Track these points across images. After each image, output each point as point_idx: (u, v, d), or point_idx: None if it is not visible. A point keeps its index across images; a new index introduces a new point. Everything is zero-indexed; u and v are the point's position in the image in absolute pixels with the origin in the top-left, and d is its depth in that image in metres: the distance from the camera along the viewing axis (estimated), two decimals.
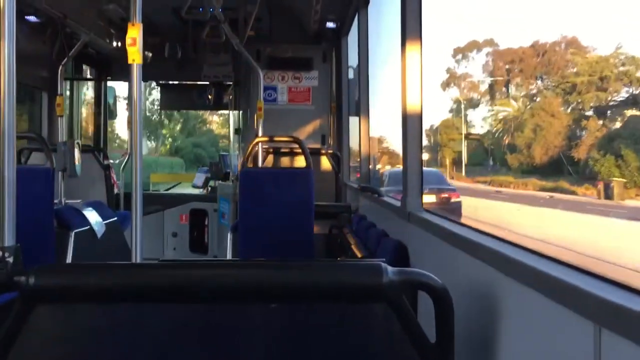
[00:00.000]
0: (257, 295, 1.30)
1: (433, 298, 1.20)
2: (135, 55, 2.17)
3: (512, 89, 43.80)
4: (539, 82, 40.99)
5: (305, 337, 1.56)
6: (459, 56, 45.65)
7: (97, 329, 1.52)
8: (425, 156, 43.06)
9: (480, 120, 46.02)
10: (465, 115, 45.12)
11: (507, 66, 43.29)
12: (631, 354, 0.95)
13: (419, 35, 2.74)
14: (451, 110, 46.51)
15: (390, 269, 1.20)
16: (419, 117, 2.79)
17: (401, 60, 2.86)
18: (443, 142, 44.10)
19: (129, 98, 2.44)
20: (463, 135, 43.49)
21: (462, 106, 45.55)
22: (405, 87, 2.79)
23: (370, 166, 5.21)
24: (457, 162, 43.34)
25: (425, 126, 46.45)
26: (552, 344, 1.22)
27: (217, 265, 1.32)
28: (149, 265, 1.28)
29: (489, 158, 42.22)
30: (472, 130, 45.09)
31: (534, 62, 40.96)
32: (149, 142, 37.30)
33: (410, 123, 2.77)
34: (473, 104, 45.94)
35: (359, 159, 5.36)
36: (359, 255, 3.57)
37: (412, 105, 2.78)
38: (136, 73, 2.26)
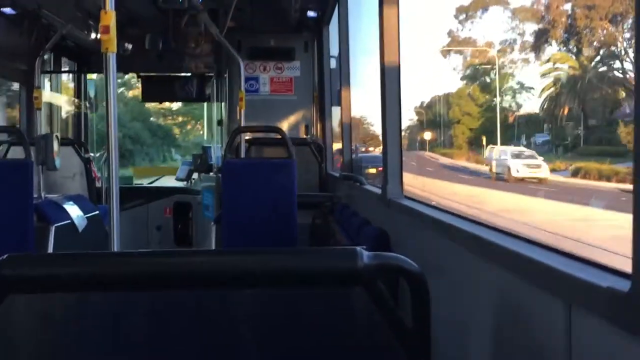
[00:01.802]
0: (233, 282, 1.29)
1: (409, 282, 1.20)
2: (108, 43, 2.14)
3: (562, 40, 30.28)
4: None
5: (283, 322, 1.56)
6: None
7: (73, 319, 1.50)
8: (428, 136, 33.95)
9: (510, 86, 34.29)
10: (500, 81, 33.55)
11: (566, 5, 29.84)
12: (600, 329, 0.96)
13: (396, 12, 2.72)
14: (464, 78, 35.91)
15: (366, 253, 1.20)
16: (398, 109, 2.81)
17: (379, 50, 2.85)
18: (455, 117, 34.04)
19: (105, 88, 2.40)
20: (498, 105, 32.26)
21: (496, 67, 33.11)
22: (384, 79, 2.79)
23: (354, 155, 5.21)
24: (474, 142, 32.15)
25: (425, 99, 35.67)
26: (526, 322, 1.23)
27: (190, 253, 1.31)
28: (120, 254, 1.27)
29: (521, 135, 31.08)
30: (503, 99, 33.70)
31: None
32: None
33: (390, 115, 2.79)
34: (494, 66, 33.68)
35: (341, 148, 5.36)
36: (342, 243, 3.58)
37: (391, 99, 2.79)
38: (111, 63, 2.22)
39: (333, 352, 1.40)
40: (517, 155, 23.76)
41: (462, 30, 35.58)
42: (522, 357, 1.26)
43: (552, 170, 22.13)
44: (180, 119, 28.43)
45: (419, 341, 1.19)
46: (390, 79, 2.78)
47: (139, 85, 7.54)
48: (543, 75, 31.95)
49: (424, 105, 36.41)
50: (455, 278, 1.74)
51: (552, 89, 31.33)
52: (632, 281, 0.87)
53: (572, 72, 30.24)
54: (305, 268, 1.26)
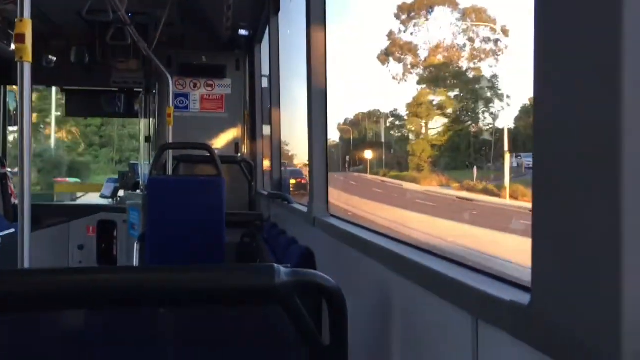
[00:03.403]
0: (145, 300, 1.25)
1: (326, 299, 1.20)
2: (23, 52, 2.04)
3: None
4: None
5: (201, 341, 1.52)
6: None
7: None
8: (369, 155, 28.35)
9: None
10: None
11: None
12: (505, 343, 0.98)
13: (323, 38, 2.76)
14: (422, 81, 27.52)
15: (283, 270, 1.19)
16: (325, 128, 2.84)
17: (307, 69, 2.88)
18: (415, 130, 27.25)
19: (20, 100, 2.29)
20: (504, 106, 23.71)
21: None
22: (310, 98, 2.81)
23: (283, 169, 5.21)
24: (438, 163, 25.17)
25: (350, 115, 30.05)
26: (438, 337, 1.25)
27: (100, 270, 1.25)
28: (21, 272, 1.20)
29: (498, 156, 22.12)
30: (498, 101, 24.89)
31: None
32: None
33: (316, 134, 2.81)
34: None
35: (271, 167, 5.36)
36: (269, 262, 3.55)
37: (317, 119, 2.81)
38: (25, 73, 2.12)
39: None
40: None
41: (405, 31, 28.67)
42: None
43: None
44: (34, 119, 22.93)
45: (335, 358, 1.18)
46: (316, 98, 2.80)
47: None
48: None
49: (349, 122, 30.16)
50: (374, 295, 1.76)
51: None
52: (532, 294, 0.90)
53: None
54: (221, 285, 1.23)
